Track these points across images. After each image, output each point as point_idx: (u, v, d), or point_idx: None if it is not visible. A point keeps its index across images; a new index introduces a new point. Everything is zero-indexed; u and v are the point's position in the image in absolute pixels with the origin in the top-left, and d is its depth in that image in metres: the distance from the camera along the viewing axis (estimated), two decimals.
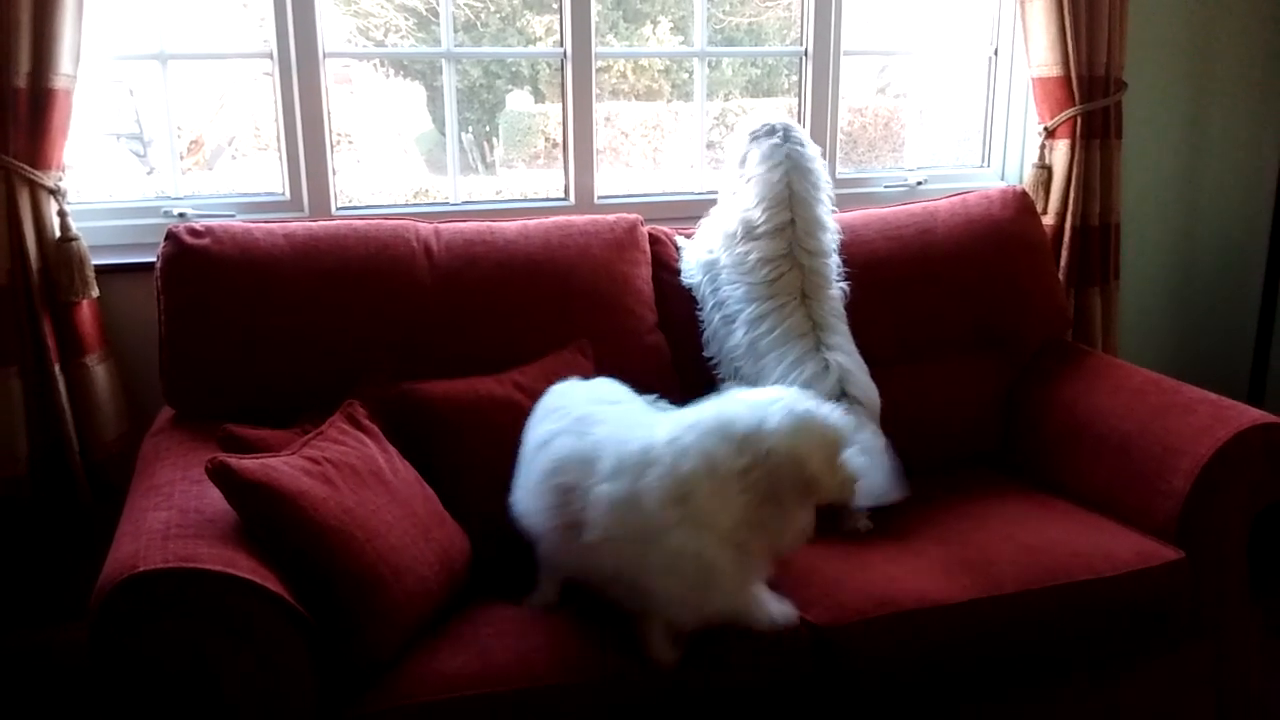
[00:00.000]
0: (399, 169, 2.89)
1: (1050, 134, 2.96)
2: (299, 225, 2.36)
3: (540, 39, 3.01)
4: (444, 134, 2.91)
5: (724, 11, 3.22)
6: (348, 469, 1.87)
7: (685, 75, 3.28)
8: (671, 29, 3.34)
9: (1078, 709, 2.22)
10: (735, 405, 1.80)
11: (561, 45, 2.81)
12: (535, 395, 2.21)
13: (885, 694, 2.02)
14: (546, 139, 3.24)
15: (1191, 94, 3.30)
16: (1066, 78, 2.86)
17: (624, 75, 3.27)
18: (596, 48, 2.78)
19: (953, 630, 2.04)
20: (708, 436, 1.74)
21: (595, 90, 2.79)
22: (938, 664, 2.04)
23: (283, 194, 2.69)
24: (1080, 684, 2.20)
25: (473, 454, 2.13)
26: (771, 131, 2.47)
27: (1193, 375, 2.70)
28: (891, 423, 2.39)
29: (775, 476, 1.72)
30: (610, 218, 2.55)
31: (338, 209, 2.71)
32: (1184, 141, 3.34)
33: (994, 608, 2.06)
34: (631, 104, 3.28)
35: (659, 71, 3.21)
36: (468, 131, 3.56)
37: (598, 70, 2.77)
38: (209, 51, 3.02)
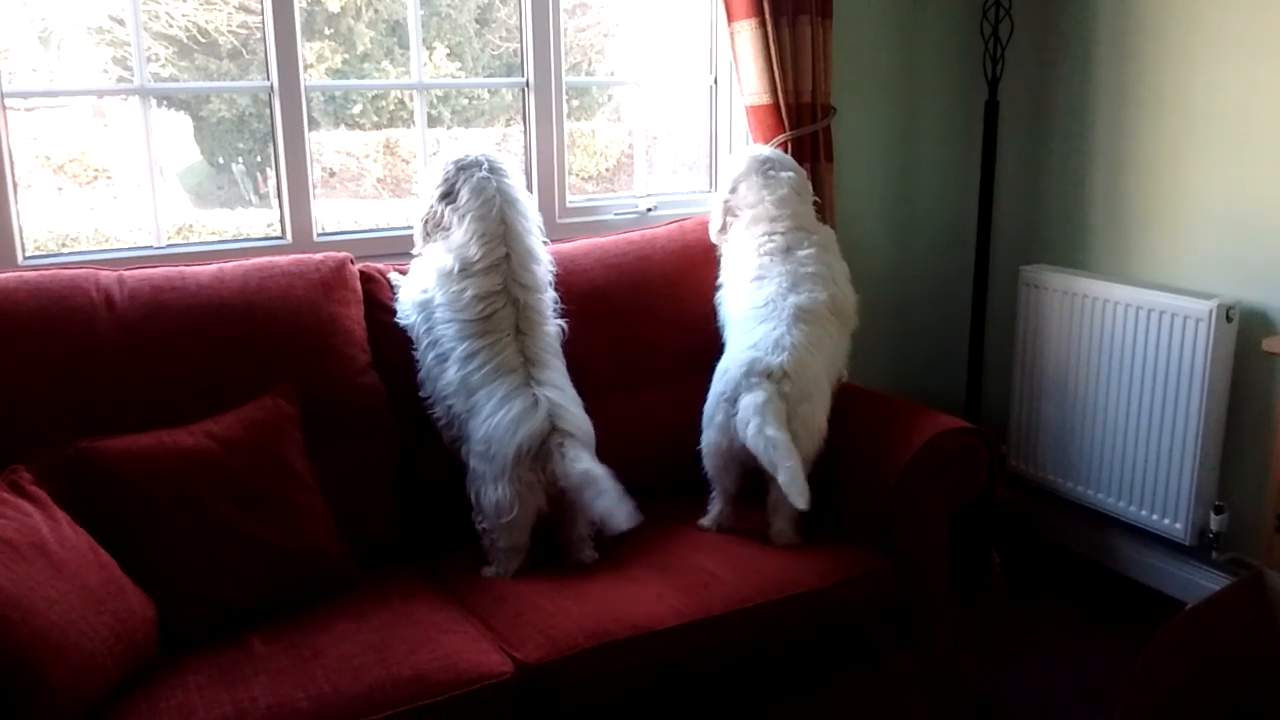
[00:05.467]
0: (163, 204, 2.72)
1: None
2: None
3: (312, 65, 2.92)
4: (212, 165, 2.79)
5: (500, 38, 3.21)
6: (2, 543, 1.73)
7: (465, 101, 3.26)
8: (448, 55, 3.29)
9: None
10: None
11: (269, 79, 2.72)
12: (231, 445, 2.11)
13: None
14: (324, 168, 3.13)
15: (902, 118, 3.46)
16: (776, 105, 2.96)
17: (402, 103, 3.20)
18: (306, 80, 2.72)
19: (665, 656, 2.05)
20: None
21: (307, 124, 2.72)
22: (651, 691, 2.05)
23: None
24: (797, 695, 2.25)
25: (159, 511, 2.01)
26: (478, 164, 2.43)
27: (912, 395, 2.81)
28: (612, 450, 2.39)
29: None
30: (318, 257, 2.46)
31: (25, 258, 2.52)
32: (895, 163, 3.49)
33: (706, 630, 2.09)
34: (412, 130, 3.22)
35: (437, 98, 3.16)
36: (238, 162, 3.40)
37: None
38: None
